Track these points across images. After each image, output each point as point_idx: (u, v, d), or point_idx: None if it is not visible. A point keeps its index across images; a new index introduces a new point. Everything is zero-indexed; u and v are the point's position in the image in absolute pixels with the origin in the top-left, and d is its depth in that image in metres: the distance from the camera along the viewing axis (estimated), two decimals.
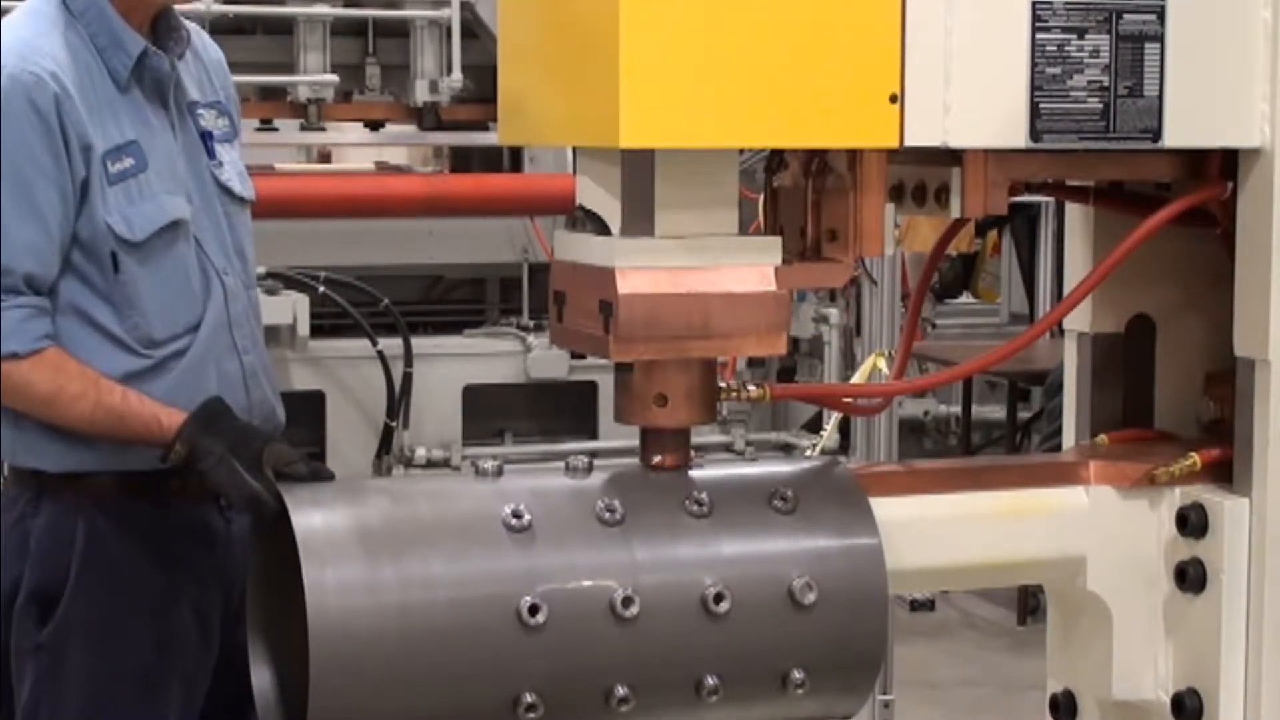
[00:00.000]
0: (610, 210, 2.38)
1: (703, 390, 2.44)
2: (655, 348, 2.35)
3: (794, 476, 2.51)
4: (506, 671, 2.28)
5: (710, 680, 2.35)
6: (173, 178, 2.79)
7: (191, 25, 2.96)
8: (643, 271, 2.33)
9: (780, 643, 2.39)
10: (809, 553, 2.42)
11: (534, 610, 2.27)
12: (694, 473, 2.48)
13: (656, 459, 2.47)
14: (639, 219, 2.35)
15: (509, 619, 2.27)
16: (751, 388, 2.54)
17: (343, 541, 2.29)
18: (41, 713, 2.76)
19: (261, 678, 2.52)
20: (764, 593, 2.38)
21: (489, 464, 2.42)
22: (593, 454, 2.88)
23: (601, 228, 2.39)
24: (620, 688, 2.32)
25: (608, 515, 2.36)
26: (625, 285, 2.32)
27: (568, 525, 2.35)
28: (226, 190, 2.88)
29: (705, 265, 2.36)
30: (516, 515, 2.32)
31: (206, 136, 2.89)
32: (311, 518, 2.31)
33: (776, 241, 2.42)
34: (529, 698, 2.28)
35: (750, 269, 2.38)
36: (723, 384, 2.50)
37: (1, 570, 2.78)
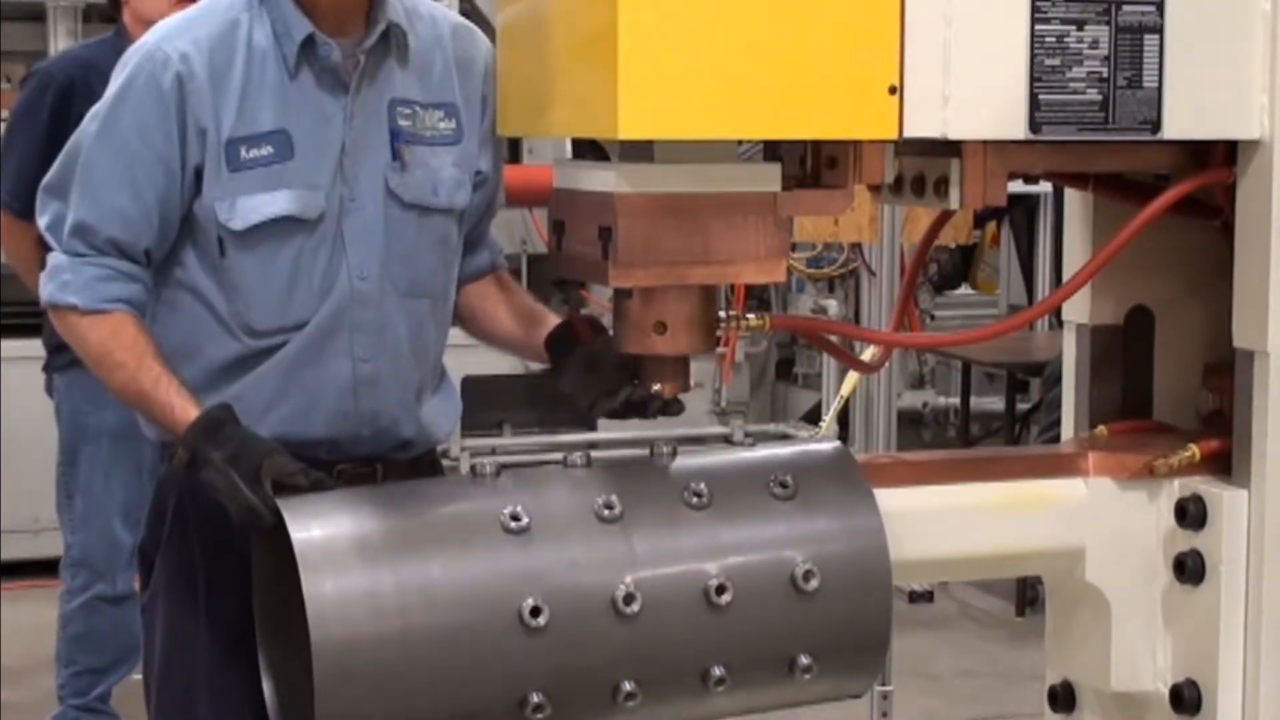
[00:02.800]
0: None
1: (702, 318, 2.43)
2: (654, 274, 2.34)
3: (793, 460, 2.51)
4: (511, 673, 2.29)
5: (717, 671, 2.36)
6: (322, 171, 2.73)
7: (457, 21, 2.96)
8: (642, 197, 2.31)
9: (785, 630, 2.40)
10: (810, 537, 2.42)
11: (536, 612, 2.27)
12: (692, 461, 2.48)
13: (656, 387, 2.46)
14: (638, 146, 2.34)
15: (511, 621, 2.27)
16: (751, 316, 2.54)
17: (341, 552, 2.29)
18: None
19: (268, 684, 2.52)
20: (766, 581, 2.38)
21: (487, 466, 2.42)
22: (591, 445, 2.87)
23: (601, 154, 2.38)
24: (627, 683, 2.32)
25: (606, 512, 2.35)
26: (624, 210, 2.30)
27: (567, 524, 2.35)
28: (394, 195, 2.77)
29: (705, 191, 2.34)
30: (515, 517, 2.32)
31: (395, 135, 2.78)
32: (309, 530, 2.31)
33: (776, 168, 2.40)
34: (535, 698, 2.28)
35: (750, 195, 2.37)
36: (722, 313, 2.49)
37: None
